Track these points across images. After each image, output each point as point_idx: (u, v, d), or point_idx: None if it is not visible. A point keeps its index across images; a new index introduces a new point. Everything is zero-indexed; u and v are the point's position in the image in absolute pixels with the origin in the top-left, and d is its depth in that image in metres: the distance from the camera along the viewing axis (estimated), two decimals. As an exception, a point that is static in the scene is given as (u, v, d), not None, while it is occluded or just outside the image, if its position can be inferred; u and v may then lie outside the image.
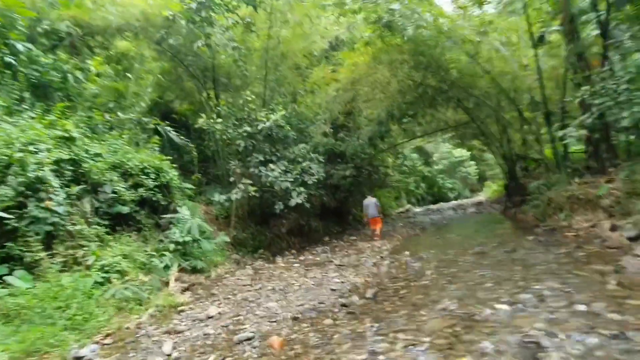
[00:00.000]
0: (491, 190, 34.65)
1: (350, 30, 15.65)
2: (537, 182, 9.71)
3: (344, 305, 4.76)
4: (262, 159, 9.87)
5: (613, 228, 6.36)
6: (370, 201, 11.80)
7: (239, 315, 4.86)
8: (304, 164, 10.49)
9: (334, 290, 5.53)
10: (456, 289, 4.91)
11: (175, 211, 8.20)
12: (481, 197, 33.39)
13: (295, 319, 4.50)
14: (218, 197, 9.88)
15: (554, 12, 9.67)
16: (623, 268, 4.59)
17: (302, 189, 9.78)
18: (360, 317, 4.28)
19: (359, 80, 12.69)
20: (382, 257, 7.92)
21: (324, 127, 13.21)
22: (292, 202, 9.44)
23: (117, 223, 6.75)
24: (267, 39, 11.67)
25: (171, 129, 10.89)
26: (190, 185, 9.82)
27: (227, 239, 9.24)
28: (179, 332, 4.45)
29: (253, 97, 10.91)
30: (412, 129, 19.03)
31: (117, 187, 6.84)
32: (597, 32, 8.85)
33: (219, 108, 11.13)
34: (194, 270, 7.52)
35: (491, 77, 10.77)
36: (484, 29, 10.26)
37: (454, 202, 30.74)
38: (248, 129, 9.85)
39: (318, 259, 8.76)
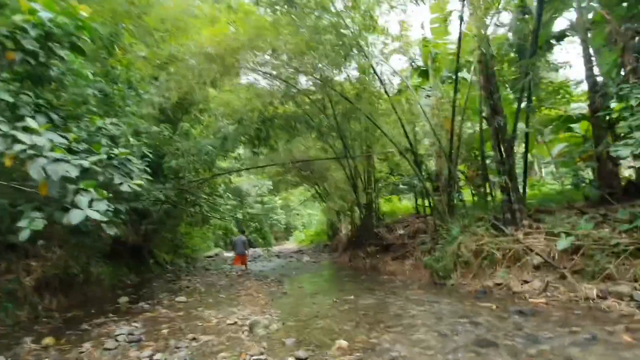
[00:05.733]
0: (299, 239, 34.81)
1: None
2: (449, 230, 8.12)
3: None
4: (9, 99, 3.83)
5: (603, 295, 4.86)
6: (240, 239, 12.18)
7: None
8: (118, 151, 5.08)
9: None
10: None
11: None
12: (290, 245, 32.52)
13: None
14: None
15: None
16: None
17: (105, 192, 4.29)
18: None
19: (226, 54, 8.47)
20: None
21: (159, 100, 7.91)
22: (75, 218, 3.77)
23: None
24: None
25: None
26: None
27: None
28: None
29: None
30: (259, 155, 15.56)
31: None
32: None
33: None
34: None
35: (391, 102, 9.15)
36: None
37: (267, 250, 28.50)
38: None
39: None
